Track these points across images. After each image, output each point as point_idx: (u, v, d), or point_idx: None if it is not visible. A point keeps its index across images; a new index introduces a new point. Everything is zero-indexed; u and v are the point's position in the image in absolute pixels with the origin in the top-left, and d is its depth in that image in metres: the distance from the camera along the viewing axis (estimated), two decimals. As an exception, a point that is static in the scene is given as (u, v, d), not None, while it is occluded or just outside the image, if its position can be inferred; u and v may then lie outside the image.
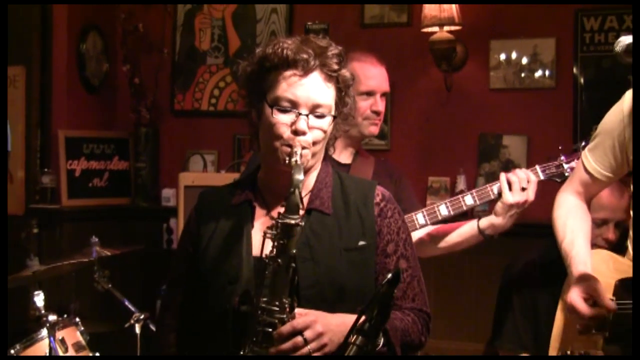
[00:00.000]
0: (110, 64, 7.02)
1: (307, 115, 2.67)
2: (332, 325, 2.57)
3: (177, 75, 7.02)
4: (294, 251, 2.55)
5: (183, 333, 2.90)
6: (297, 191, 2.51)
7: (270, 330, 2.53)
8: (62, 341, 4.80)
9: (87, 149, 6.75)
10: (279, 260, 2.54)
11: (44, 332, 4.61)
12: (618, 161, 3.39)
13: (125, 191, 7.04)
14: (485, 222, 3.87)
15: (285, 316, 2.53)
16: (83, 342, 4.97)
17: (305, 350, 2.50)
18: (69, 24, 6.59)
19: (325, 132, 2.72)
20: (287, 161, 2.62)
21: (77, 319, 5.02)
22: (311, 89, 2.68)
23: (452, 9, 5.80)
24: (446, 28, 5.89)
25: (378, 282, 2.74)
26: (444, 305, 5.89)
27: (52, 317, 4.60)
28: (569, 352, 3.47)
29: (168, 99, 7.04)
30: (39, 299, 4.64)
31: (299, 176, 2.52)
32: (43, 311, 4.59)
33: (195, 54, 6.98)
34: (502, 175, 3.81)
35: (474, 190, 3.89)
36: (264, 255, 2.61)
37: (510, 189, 3.75)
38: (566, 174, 3.88)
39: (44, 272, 4.87)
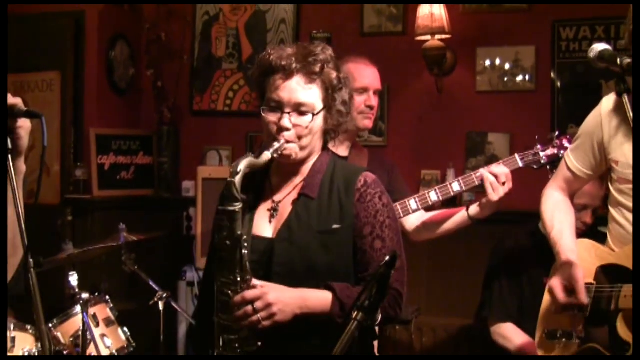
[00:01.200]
0: (136, 69, 7.02)
1: (289, 113, 2.74)
2: (285, 297, 2.65)
3: (195, 79, 7.02)
4: (239, 233, 2.61)
5: (201, 298, 3.05)
6: (232, 183, 2.59)
7: (227, 299, 2.63)
8: (94, 317, 4.86)
9: (115, 146, 6.76)
10: (227, 242, 2.62)
11: (78, 308, 4.67)
12: (597, 160, 3.43)
13: (149, 183, 7.05)
14: (473, 210, 3.90)
15: (238, 288, 2.62)
16: (112, 318, 5.03)
17: (254, 318, 2.59)
18: (100, 33, 6.61)
19: (308, 127, 2.77)
20: (257, 153, 2.69)
21: (107, 297, 5.09)
22: (293, 90, 2.76)
23: (443, 20, 5.83)
24: (437, 37, 5.91)
25: (358, 261, 2.81)
26: (437, 286, 5.95)
27: (85, 295, 4.65)
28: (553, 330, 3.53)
29: (187, 100, 7.03)
30: (74, 279, 4.68)
31: (238, 167, 2.60)
32: (77, 290, 4.65)
33: (212, 60, 6.96)
34: (486, 175, 3.80)
35: (460, 178, 3.90)
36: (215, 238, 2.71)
37: (492, 189, 3.78)
38: (542, 162, 3.91)
39: (78, 255, 4.88)
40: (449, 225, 4.01)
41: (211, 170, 6.13)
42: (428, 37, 5.95)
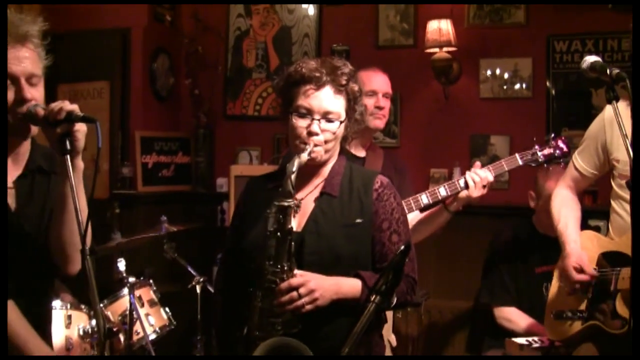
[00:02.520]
0: (176, 79, 7.02)
1: (319, 120, 2.77)
2: (324, 285, 2.67)
3: (228, 87, 7.03)
4: (290, 226, 2.64)
5: (225, 285, 3.01)
6: (289, 180, 2.63)
7: (273, 286, 2.64)
8: (139, 298, 4.88)
9: (157, 146, 6.77)
10: (278, 233, 2.64)
11: (125, 290, 4.69)
12: (601, 161, 3.51)
13: (187, 180, 7.06)
14: (449, 204, 3.91)
15: (285, 276, 2.63)
16: (155, 299, 5.05)
17: (299, 303, 2.61)
18: (143, 47, 6.63)
19: (334, 133, 2.81)
20: (298, 155, 2.71)
21: (151, 281, 5.11)
22: (323, 99, 2.78)
23: (450, 34, 5.87)
24: (445, 49, 5.95)
25: (376, 252, 2.83)
26: (443, 272, 5.96)
27: (132, 279, 4.69)
28: (560, 311, 3.57)
29: (221, 106, 7.05)
30: (121, 265, 4.70)
31: (292, 168, 2.64)
32: (124, 274, 4.67)
33: (243, 70, 6.98)
34: (471, 175, 3.82)
35: (465, 174, 3.87)
36: (267, 230, 2.71)
37: (475, 186, 3.78)
38: (540, 160, 3.90)
39: (125, 244, 4.90)
40: (431, 220, 4.00)
41: (242, 168, 6.16)
42: (436, 49, 5.98)
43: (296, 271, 2.67)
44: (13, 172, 2.63)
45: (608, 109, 3.43)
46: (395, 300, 2.68)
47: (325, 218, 2.81)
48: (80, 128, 2.46)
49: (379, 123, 3.95)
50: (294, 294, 2.62)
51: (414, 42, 6.35)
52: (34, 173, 2.68)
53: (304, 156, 2.71)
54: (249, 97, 6.97)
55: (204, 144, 7.00)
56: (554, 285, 3.72)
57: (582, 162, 3.60)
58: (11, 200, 2.60)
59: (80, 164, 2.51)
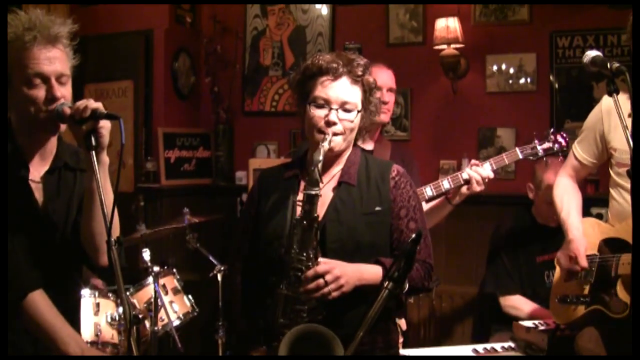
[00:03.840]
0: (196, 77, 7.04)
1: (337, 110, 2.75)
2: (348, 271, 2.65)
3: (246, 84, 7.04)
4: (316, 214, 2.63)
5: (246, 274, 2.97)
6: (316, 170, 2.61)
7: (299, 274, 2.62)
8: (164, 286, 4.90)
9: (179, 142, 6.79)
10: (305, 222, 2.63)
11: (150, 279, 4.72)
12: (599, 150, 3.51)
13: (208, 173, 7.07)
14: (452, 197, 3.90)
15: (310, 263, 2.62)
16: (179, 287, 5.07)
17: (325, 290, 2.59)
18: (165, 48, 6.64)
19: (352, 122, 2.79)
20: (319, 145, 2.69)
21: (174, 270, 5.13)
22: (340, 90, 2.77)
23: (457, 32, 5.86)
24: (453, 46, 5.94)
25: (394, 239, 2.81)
26: (454, 259, 5.96)
27: (156, 268, 4.70)
28: (564, 296, 3.57)
29: (240, 103, 7.06)
30: (146, 254, 4.72)
31: (319, 157, 2.63)
32: (149, 264, 4.69)
33: (260, 68, 6.98)
34: (472, 173, 3.82)
35: (467, 167, 3.88)
36: (294, 219, 2.71)
37: (477, 184, 3.76)
38: (539, 154, 3.90)
39: (150, 235, 4.95)
40: (436, 212, 3.98)
41: (260, 161, 6.16)
42: (444, 46, 5.97)
43: (321, 259, 2.66)
44: (40, 168, 2.66)
45: (605, 100, 3.45)
46: (407, 286, 2.68)
47: (345, 206, 2.79)
48: (105, 125, 2.48)
49: (384, 117, 3.94)
50: (321, 281, 2.60)
51: (423, 40, 6.33)
52: (60, 169, 2.70)
53: (326, 145, 2.69)
54: (266, 94, 6.97)
55: (223, 139, 7.01)
56: (557, 272, 3.72)
57: (581, 152, 3.60)
58: (39, 195, 2.63)
59: (105, 159, 2.53)
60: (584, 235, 3.48)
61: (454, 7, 5.99)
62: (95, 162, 2.43)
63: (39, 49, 2.47)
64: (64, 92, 2.54)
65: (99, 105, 2.47)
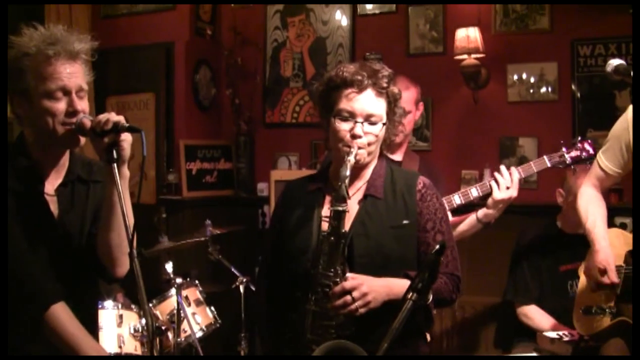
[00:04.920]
0: (217, 89, 7.05)
1: (362, 123, 2.72)
2: (376, 286, 2.62)
3: (267, 96, 7.04)
4: (344, 230, 2.61)
5: (271, 289, 2.94)
6: (343, 185, 2.60)
7: (327, 290, 2.60)
8: (186, 298, 4.89)
9: (200, 154, 6.79)
10: (332, 237, 2.62)
11: (173, 291, 4.70)
12: (625, 160, 3.46)
13: (229, 185, 7.06)
14: (481, 213, 3.88)
15: (338, 279, 2.60)
16: (201, 299, 5.05)
17: (353, 306, 2.56)
18: (186, 60, 6.66)
19: (377, 136, 2.76)
20: (345, 159, 2.67)
21: (197, 282, 5.12)
22: (365, 102, 2.73)
23: (478, 41, 5.84)
24: (473, 56, 5.91)
25: (421, 252, 2.78)
26: (476, 269, 5.91)
27: (179, 280, 4.69)
28: (589, 307, 3.53)
29: (260, 114, 7.05)
30: (169, 266, 4.73)
31: (346, 172, 2.61)
32: (172, 275, 4.69)
33: (280, 79, 6.98)
34: (497, 175, 3.83)
35: (512, 167, 3.87)
36: (320, 234, 2.70)
37: (498, 188, 3.77)
38: (567, 162, 3.90)
39: (172, 247, 4.91)
40: (462, 227, 3.97)
41: (282, 173, 6.17)
42: (465, 56, 5.94)
43: (348, 274, 2.63)
44: (54, 181, 2.67)
45: (631, 109, 3.40)
46: (430, 297, 2.65)
47: (371, 220, 2.76)
48: (126, 138, 2.50)
49: (397, 138, 3.91)
50: (348, 297, 2.57)
51: (443, 50, 6.31)
52: (73, 182, 2.71)
53: (352, 159, 2.67)
54: (287, 106, 6.97)
55: (244, 151, 7.00)
56: (582, 281, 3.68)
57: (606, 161, 3.55)
58: (54, 207, 2.64)
59: (126, 172, 2.54)
60: (610, 245, 3.44)
61: (474, 17, 5.97)
62: (117, 175, 2.44)
63: (61, 63, 2.49)
64: (84, 105, 2.56)
65: (120, 118, 2.48)
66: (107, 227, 2.59)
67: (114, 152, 2.47)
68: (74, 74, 2.52)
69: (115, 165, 2.46)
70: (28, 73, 2.49)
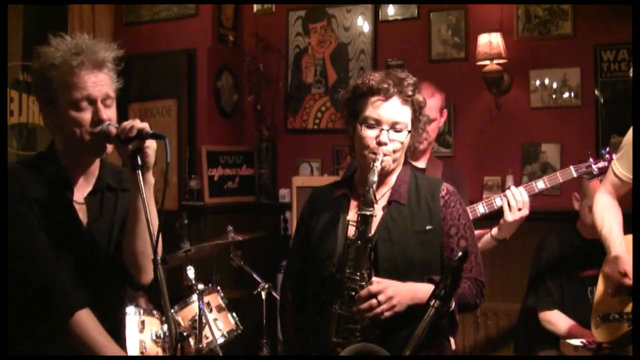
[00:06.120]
0: (239, 96, 7.07)
1: (387, 130, 2.75)
2: (401, 291, 2.64)
3: (289, 102, 7.05)
4: (370, 235, 2.65)
5: (297, 293, 2.99)
6: (371, 190, 2.64)
7: (353, 293, 2.64)
8: (208, 304, 4.93)
9: (222, 160, 6.80)
10: (359, 242, 2.65)
11: (195, 297, 4.75)
12: None
13: (251, 191, 7.08)
14: (495, 232, 3.87)
15: (364, 283, 2.63)
16: (223, 305, 5.09)
17: (378, 310, 2.59)
18: (208, 67, 6.68)
19: (402, 143, 2.80)
20: (371, 165, 2.71)
21: (219, 287, 5.16)
22: (391, 110, 2.77)
23: (500, 47, 5.82)
24: (495, 61, 5.90)
25: (445, 257, 2.79)
26: (498, 276, 5.89)
27: (201, 286, 4.73)
28: (607, 314, 3.51)
29: (282, 120, 7.07)
30: (191, 272, 4.76)
31: (373, 178, 2.66)
32: (194, 281, 4.72)
33: (302, 85, 7.00)
34: (504, 200, 3.79)
35: (521, 187, 3.84)
36: (347, 238, 2.73)
37: (510, 210, 3.75)
38: (594, 173, 3.87)
39: (194, 253, 4.97)
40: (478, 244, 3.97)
41: (304, 179, 6.17)
42: (487, 62, 5.93)
43: (374, 278, 2.66)
44: (84, 189, 2.68)
45: None
46: (453, 303, 2.66)
47: (396, 225, 2.79)
48: (151, 144, 2.51)
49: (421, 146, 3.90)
50: (374, 301, 2.60)
51: (465, 56, 6.30)
52: (103, 190, 2.72)
53: (378, 165, 2.70)
54: (309, 112, 6.98)
55: (266, 157, 7.02)
56: (600, 288, 3.67)
57: (621, 168, 3.53)
58: (83, 216, 2.65)
59: (151, 178, 2.55)
60: (627, 251, 3.42)
61: (496, 22, 5.96)
62: (142, 182, 2.45)
63: (86, 72, 2.50)
64: (110, 114, 2.57)
65: (145, 125, 2.49)
66: (132, 234, 2.60)
67: (139, 158, 2.48)
68: (99, 83, 2.53)
69: (139, 172, 2.47)
70: (54, 83, 2.51)
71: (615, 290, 3.44)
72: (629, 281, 3.31)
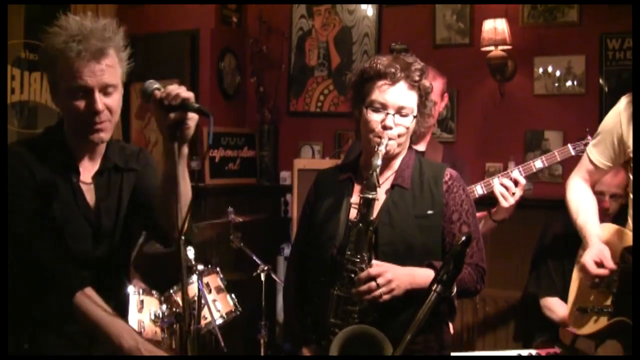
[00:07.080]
0: (242, 78, 7.09)
1: (393, 115, 2.76)
2: (400, 274, 2.66)
3: (291, 85, 7.06)
4: (372, 218, 2.66)
5: (300, 273, 3.02)
6: (374, 174, 2.65)
7: (352, 275, 2.65)
8: (207, 285, 4.95)
9: (224, 141, 6.82)
10: (360, 224, 2.66)
11: (194, 277, 4.72)
12: (616, 153, 3.43)
13: (252, 173, 7.11)
14: (493, 213, 3.90)
15: (364, 266, 2.65)
16: (222, 286, 5.10)
17: (377, 292, 2.61)
18: (211, 48, 6.70)
19: (407, 128, 2.80)
20: (376, 149, 2.72)
21: (218, 269, 5.17)
22: (397, 94, 2.78)
23: (505, 33, 5.80)
24: (500, 47, 5.88)
25: (447, 243, 2.80)
26: (498, 263, 5.89)
27: (200, 267, 4.75)
28: (584, 307, 3.50)
29: (285, 103, 7.08)
30: (191, 253, 4.74)
31: (377, 162, 2.67)
32: (193, 262, 4.69)
33: (305, 68, 7.00)
34: (496, 187, 3.82)
35: (519, 166, 3.88)
36: (349, 221, 2.75)
37: (503, 198, 3.76)
38: None
39: (194, 234, 4.97)
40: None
41: (305, 162, 6.16)
42: (492, 48, 5.91)
43: (374, 261, 2.68)
44: (90, 169, 2.66)
45: (623, 101, 3.39)
46: (455, 289, 2.69)
47: (397, 209, 2.80)
48: (193, 117, 2.39)
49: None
50: (373, 283, 2.62)
51: (470, 41, 6.28)
52: (109, 170, 2.69)
53: (383, 149, 2.71)
54: (311, 95, 6.97)
55: (268, 139, 7.04)
56: (575, 279, 3.65)
57: (597, 155, 3.51)
58: (90, 196, 2.62)
59: (186, 150, 2.46)
60: (605, 242, 3.40)
61: (501, 9, 5.94)
62: (177, 153, 2.38)
63: (84, 62, 2.43)
64: (110, 102, 2.50)
65: (190, 95, 2.39)
66: (170, 199, 2.45)
67: (178, 130, 2.38)
68: (97, 73, 2.45)
69: (176, 144, 2.38)
70: (56, 68, 2.46)
71: (593, 283, 3.41)
72: (604, 271, 3.29)
